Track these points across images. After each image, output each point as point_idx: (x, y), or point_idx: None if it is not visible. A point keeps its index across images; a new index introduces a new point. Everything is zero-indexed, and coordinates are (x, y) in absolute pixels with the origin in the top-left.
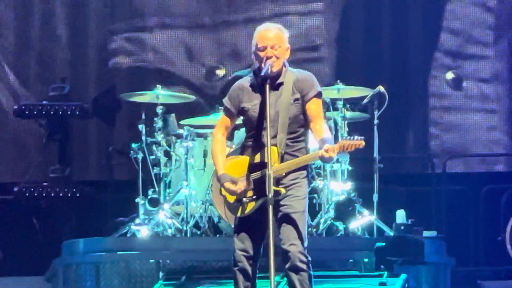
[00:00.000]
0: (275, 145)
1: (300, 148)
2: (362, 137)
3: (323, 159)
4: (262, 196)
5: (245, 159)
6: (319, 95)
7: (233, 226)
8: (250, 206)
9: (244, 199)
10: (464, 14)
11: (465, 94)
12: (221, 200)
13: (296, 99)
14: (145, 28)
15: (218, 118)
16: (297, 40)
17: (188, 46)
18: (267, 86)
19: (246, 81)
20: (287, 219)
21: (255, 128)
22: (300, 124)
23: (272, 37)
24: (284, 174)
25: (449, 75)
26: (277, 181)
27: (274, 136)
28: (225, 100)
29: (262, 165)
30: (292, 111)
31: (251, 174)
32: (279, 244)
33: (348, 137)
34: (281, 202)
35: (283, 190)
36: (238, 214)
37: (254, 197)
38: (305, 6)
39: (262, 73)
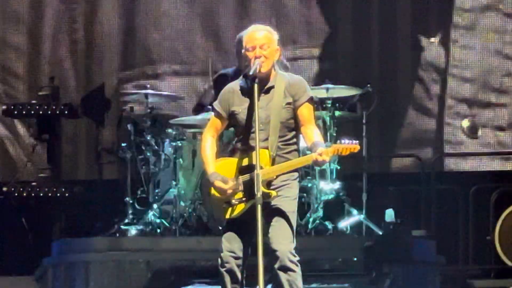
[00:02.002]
0: (266, 148)
1: (292, 150)
2: (357, 141)
3: (316, 163)
4: (252, 198)
5: (234, 161)
6: (311, 100)
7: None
8: (240, 208)
9: (233, 201)
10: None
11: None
12: (215, 200)
13: (288, 103)
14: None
15: (209, 120)
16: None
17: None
18: (256, 85)
19: (236, 84)
20: (277, 218)
21: (245, 131)
22: (291, 128)
23: (261, 37)
24: (275, 176)
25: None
26: (268, 183)
27: (266, 139)
28: (215, 104)
29: (253, 167)
30: (283, 115)
31: (241, 176)
32: (268, 243)
33: (343, 141)
34: (271, 202)
35: (274, 193)
36: (227, 216)
37: (243, 199)
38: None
39: (251, 73)
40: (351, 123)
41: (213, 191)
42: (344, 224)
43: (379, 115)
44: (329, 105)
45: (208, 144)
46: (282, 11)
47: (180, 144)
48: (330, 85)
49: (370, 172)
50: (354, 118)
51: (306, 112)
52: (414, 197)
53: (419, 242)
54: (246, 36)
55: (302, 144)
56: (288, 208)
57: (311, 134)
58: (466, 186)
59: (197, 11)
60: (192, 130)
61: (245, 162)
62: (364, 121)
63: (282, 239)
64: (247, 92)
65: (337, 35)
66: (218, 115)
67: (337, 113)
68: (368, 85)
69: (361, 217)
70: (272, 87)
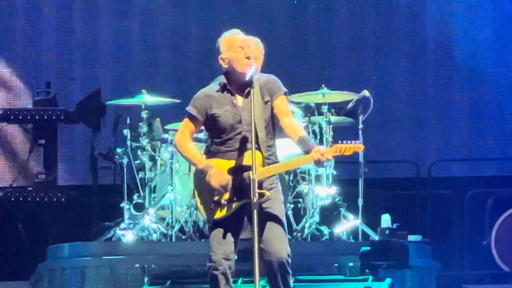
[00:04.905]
0: (258, 148)
1: (274, 152)
2: (361, 141)
3: (318, 163)
4: (242, 198)
5: (219, 162)
6: (285, 93)
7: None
8: (229, 208)
9: (223, 201)
10: None
11: None
12: (204, 200)
13: (267, 101)
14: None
15: (180, 125)
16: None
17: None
18: (252, 90)
19: (211, 89)
20: (272, 222)
21: (229, 133)
22: (273, 127)
23: (247, 39)
24: (267, 177)
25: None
26: (259, 185)
27: (256, 140)
28: (190, 109)
29: (243, 169)
30: (266, 114)
31: (231, 177)
32: (264, 247)
33: (344, 142)
34: (263, 205)
35: (267, 193)
36: (216, 216)
37: (234, 199)
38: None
39: (247, 78)
40: (348, 129)
41: (198, 191)
42: (340, 229)
43: (376, 120)
44: (326, 111)
45: (186, 142)
46: (277, 18)
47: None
48: (326, 90)
49: (366, 177)
50: (351, 124)
51: (282, 103)
52: (410, 202)
53: (415, 247)
54: (229, 38)
55: (289, 151)
56: (280, 212)
57: (293, 125)
58: (462, 191)
59: (194, 15)
60: None
61: (233, 163)
62: (360, 126)
63: (280, 243)
64: (227, 95)
65: (333, 40)
66: (193, 119)
67: (333, 118)
68: (365, 90)
69: (357, 222)
70: (250, 89)
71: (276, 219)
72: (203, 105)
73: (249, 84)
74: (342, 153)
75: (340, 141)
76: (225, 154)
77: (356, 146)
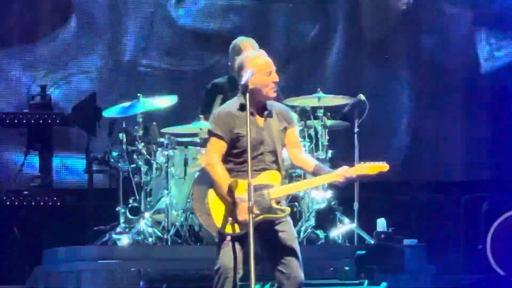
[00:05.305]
0: (278, 169)
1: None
2: (384, 161)
3: (348, 179)
4: (259, 215)
5: (243, 182)
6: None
7: (214, 235)
8: (246, 225)
9: (242, 219)
10: None
11: None
12: (203, 209)
13: (285, 128)
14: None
15: (209, 146)
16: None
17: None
18: (247, 94)
19: (232, 107)
20: (288, 246)
21: (251, 154)
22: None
23: (270, 61)
24: (284, 197)
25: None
26: (279, 203)
27: (274, 161)
28: (215, 129)
29: (261, 187)
30: (282, 139)
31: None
32: (284, 268)
33: (370, 162)
34: (278, 227)
35: (288, 210)
36: (232, 232)
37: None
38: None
39: (243, 81)
40: (343, 132)
41: (211, 201)
42: (336, 233)
43: (371, 124)
44: (321, 114)
45: (219, 168)
46: (273, 21)
47: (172, 153)
48: (322, 94)
49: (361, 181)
50: (346, 127)
51: (296, 136)
52: (405, 206)
53: (411, 251)
54: (258, 62)
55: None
56: (293, 234)
57: (308, 158)
58: (457, 195)
59: (191, 19)
60: (184, 139)
61: (257, 181)
62: (356, 130)
63: (299, 267)
64: (250, 114)
65: (329, 43)
66: (221, 139)
67: (329, 122)
68: (360, 94)
69: (353, 226)
70: (270, 112)
71: (291, 242)
72: (226, 123)
73: (265, 106)
74: (367, 172)
75: (363, 162)
76: (244, 173)
77: (382, 166)
